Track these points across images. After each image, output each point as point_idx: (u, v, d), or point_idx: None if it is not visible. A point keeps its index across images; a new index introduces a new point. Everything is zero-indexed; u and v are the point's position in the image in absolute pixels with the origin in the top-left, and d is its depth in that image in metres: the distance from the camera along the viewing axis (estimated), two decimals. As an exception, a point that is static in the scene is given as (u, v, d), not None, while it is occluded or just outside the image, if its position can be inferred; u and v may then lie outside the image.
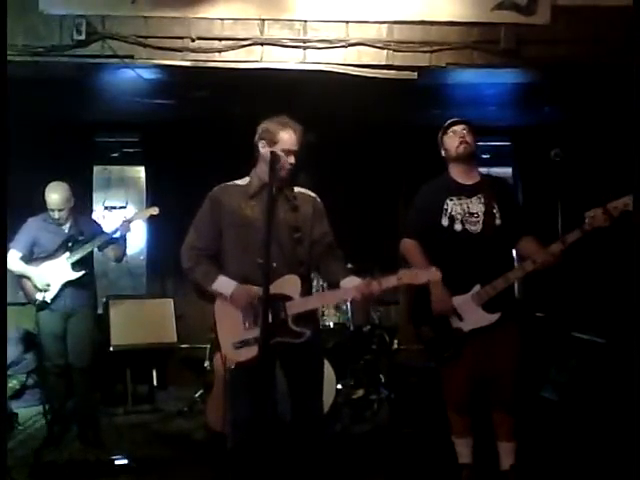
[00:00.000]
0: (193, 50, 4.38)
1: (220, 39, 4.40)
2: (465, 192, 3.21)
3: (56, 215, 4.28)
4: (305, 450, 2.86)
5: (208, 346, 4.92)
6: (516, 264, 3.26)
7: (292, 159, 2.83)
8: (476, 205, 3.18)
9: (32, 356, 5.36)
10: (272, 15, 4.41)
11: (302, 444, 2.86)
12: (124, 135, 6.55)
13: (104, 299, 5.55)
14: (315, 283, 4.20)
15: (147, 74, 4.61)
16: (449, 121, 3.29)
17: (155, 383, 5.68)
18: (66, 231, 4.36)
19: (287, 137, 2.81)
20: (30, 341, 5.31)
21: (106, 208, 6.56)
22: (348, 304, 4.89)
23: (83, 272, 4.29)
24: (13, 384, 5.23)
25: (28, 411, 4.95)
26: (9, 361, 5.10)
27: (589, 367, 4.55)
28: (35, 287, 4.24)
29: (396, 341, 5.37)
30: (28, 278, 4.26)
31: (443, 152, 3.31)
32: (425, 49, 4.43)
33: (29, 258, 4.31)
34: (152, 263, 6.47)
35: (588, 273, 5.51)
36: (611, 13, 4.37)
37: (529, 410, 3.99)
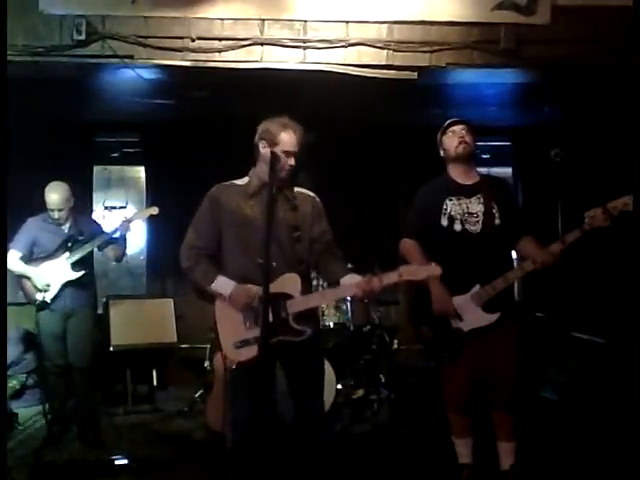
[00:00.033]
0: (193, 50, 4.39)
1: (220, 39, 4.40)
2: (464, 192, 3.21)
3: (56, 215, 4.28)
4: (305, 450, 2.86)
5: (208, 346, 4.92)
6: (516, 264, 3.26)
7: (292, 160, 2.83)
8: (475, 205, 3.18)
9: (32, 356, 5.35)
10: (272, 15, 4.41)
11: (302, 444, 2.86)
12: (124, 135, 6.55)
13: (104, 299, 5.55)
14: (315, 283, 4.20)
15: (147, 74, 4.61)
16: (448, 121, 3.29)
17: (155, 383, 5.68)
18: (66, 231, 4.36)
19: (288, 138, 2.81)
20: (30, 341, 5.30)
21: (106, 208, 6.56)
22: (348, 304, 4.89)
23: (83, 272, 4.29)
24: (13, 384, 5.23)
25: (28, 411, 4.95)
26: (9, 361, 5.10)
27: (589, 367, 4.55)
28: (35, 287, 4.24)
29: (396, 341, 5.37)
30: (28, 278, 4.26)
31: (442, 152, 3.31)
32: (425, 49, 4.43)
33: (29, 258, 4.31)
34: (152, 263, 6.47)
35: (588, 273, 5.51)
36: (611, 13, 4.37)
37: (529, 410, 3.99)
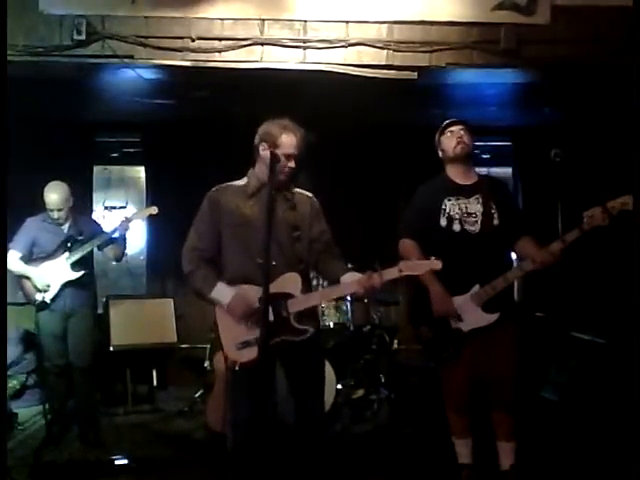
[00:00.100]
0: (193, 50, 4.38)
1: (220, 39, 4.40)
2: (463, 192, 3.21)
3: (55, 215, 4.28)
4: (305, 450, 2.86)
5: (208, 346, 4.92)
6: (515, 264, 3.26)
7: (292, 163, 2.83)
8: (474, 205, 3.18)
9: (32, 356, 5.36)
10: (272, 15, 4.41)
11: (303, 444, 2.85)
12: (124, 135, 6.55)
13: (104, 299, 5.55)
14: (315, 282, 4.20)
15: (147, 74, 4.61)
16: (446, 121, 3.29)
17: (155, 383, 5.67)
18: (65, 231, 4.35)
19: (288, 141, 2.80)
20: (30, 341, 5.30)
21: (106, 208, 6.56)
22: (348, 304, 4.90)
23: (83, 272, 4.28)
24: (13, 384, 5.23)
25: (28, 411, 4.95)
26: (9, 361, 5.10)
27: (589, 367, 4.55)
28: (35, 287, 4.24)
29: (396, 341, 5.38)
30: (28, 278, 4.25)
31: (440, 152, 3.32)
32: (425, 49, 4.43)
33: (29, 258, 4.31)
34: (152, 263, 6.47)
35: (588, 273, 5.51)
36: (611, 13, 4.37)
37: (529, 410, 4.00)
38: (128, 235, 4.50)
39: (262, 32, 4.41)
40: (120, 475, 3.67)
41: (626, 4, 3.63)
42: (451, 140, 3.22)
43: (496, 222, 3.16)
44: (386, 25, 4.45)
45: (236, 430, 2.82)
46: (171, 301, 5.70)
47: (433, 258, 2.71)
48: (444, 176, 3.30)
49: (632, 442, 2.22)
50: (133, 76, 4.57)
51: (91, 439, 4.27)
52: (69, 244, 4.28)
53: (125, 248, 4.55)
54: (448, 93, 5.24)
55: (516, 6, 4.42)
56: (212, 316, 2.87)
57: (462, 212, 3.17)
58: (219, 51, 4.41)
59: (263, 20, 4.40)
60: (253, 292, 2.69)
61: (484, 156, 6.53)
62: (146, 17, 4.36)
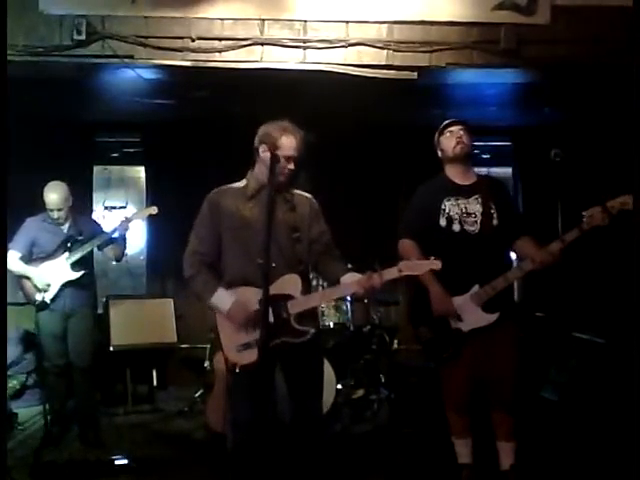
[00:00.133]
0: (193, 50, 4.39)
1: (220, 39, 4.40)
2: (462, 192, 3.21)
3: (55, 215, 4.28)
4: (305, 450, 2.85)
5: (208, 346, 4.92)
6: (515, 264, 3.26)
7: (292, 165, 2.82)
8: (473, 205, 3.18)
9: (32, 356, 5.36)
10: (272, 15, 4.41)
11: (302, 444, 2.85)
12: (124, 135, 6.56)
13: (104, 299, 5.55)
14: (315, 283, 4.20)
15: (147, 74, 4.61)
16: (446, 122, 3.29)
17: (155, 383, 5.67)
18: (65, 231, 4.35)
19: (288, 143, 2.79)
20: (30, 341, 5.30)
21: (106, 208, 6.56)
22: (348, 304, 4.90)
23: (83, 272, 4.28)
24: (13, 384, 5.23)
25: (28, 411, 4.94)
26: (9, 361, 5.10)
27: (589, 367, 4.55)
28: (35, 287, 4.24)
29: (396, 341, 5.37)
30: (28, 278, 4.25)
31: (440, 153, 3.32)
32: (425, 49, 4.43)
33: (28, 258, 4.30)
34: (152, 263, 6.47)
35: (588, 273, 5.51)
36: (611, 13, 4.37)
37: (529, 410, 4.00)
38: (128, 235, 4.50)
39: (262, 32, 4.41)
40: (120, 475, 3.67)
41: (626, 4, 3.64)
42: (450, 140, 3.22)
43: (495, 222, 3.16)
44: (386, 25, 4.45)
45: (236, 430, 2.82)
46: (171, 301, 5.70)
47: (433, 258, 2.71)
48: (443, 176, 3.30)
49: (632, 442, 2.22)
50: (133, 76, 4.57)
51: (91, 439, 4.27)
52: (69, 244, 4.28)
53: (125, 248, 4.55)
54: (448, 93, 5.24)
55: (516, 6, 4.42)
56: (212, 316, 2.87)
57: (461, 212, 3.17)
58: (219, 51, 4.41)
59: (263, 20, 4.40)
60: (253, 295, 2.68)
61: (484, 156, 6.54)
62: (146, 17, 4.36)
